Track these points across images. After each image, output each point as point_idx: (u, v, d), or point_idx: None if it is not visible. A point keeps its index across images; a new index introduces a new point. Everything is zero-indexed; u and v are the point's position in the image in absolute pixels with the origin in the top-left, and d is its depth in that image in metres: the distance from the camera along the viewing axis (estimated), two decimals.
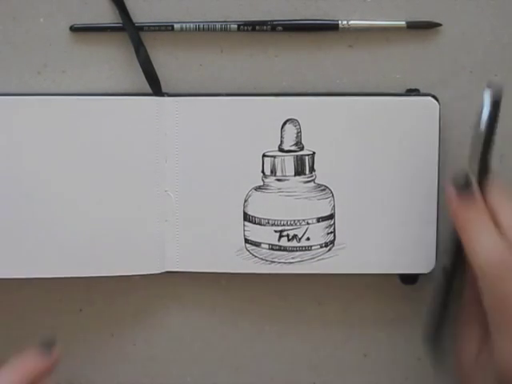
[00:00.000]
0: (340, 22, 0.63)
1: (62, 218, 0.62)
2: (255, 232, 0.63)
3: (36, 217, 0.62)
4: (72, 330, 0.66)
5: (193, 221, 0.63)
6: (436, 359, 0.63)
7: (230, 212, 0.63)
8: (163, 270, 0.64)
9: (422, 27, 0.63)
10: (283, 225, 0.63)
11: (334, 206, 0.63)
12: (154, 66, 0.63)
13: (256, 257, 0.63)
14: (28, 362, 0.57)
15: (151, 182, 0.63)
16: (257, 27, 0.63)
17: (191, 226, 0.64)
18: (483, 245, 0.55)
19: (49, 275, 0.63)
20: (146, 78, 0.63)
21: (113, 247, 0.63)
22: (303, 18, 0.63)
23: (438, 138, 0.63)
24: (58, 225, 0.62)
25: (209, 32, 0.63)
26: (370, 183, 0.63)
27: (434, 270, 0.63)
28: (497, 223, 0.56)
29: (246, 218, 0.63)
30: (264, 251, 0.63)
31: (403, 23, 0.63)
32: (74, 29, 0.63)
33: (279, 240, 0.63)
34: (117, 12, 0.63)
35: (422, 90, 0.64)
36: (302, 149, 0.63)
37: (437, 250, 0.63)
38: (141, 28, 0.63)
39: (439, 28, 0.63)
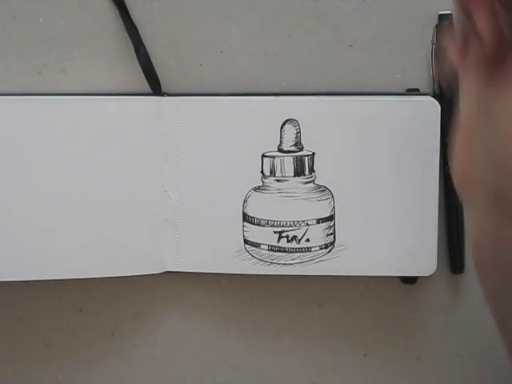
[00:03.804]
0: None
1: (62, 219, 0.62)
2: (254, 233, 0.63)
3: (35, 217, 0.62)
4: (72, 330, 0.66)
5: (192, 221, 0.63)
6: None
7: (229, 212, 0.63)
8: (163, 270, 0.64)
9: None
10: (283, 226, 0.63)
11: (333, 207, 0.63)
12: (154, 65, 0.63)
13: (255, 258, 0.63)
14: None
15: (151, 181, 0.63)
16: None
17: (191, 226, 0.64)
18: None
19: (49, 277, 0.63)
20: (146, 77, 0.63)
21: (113, 247, 0.63)
22: (303, 18, 0.63)
23: (438, 138, 0.62)
24: (57, 225, 0.62)
25: (209, 32, 0.63)
26: (370, 184, 0.63)
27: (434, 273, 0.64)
28: None
29: (246, 218, 0.63)
30: (263, 252, 0.63)
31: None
32: None
33: (279, 241, 0.63)
34: (117, 12, 0.63)
35: (421, 90, 0.64)
36: (301, 149, 0.63)
37: (438, 253, 0.63)
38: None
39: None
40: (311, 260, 0.63)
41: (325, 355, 0.67)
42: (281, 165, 0.63)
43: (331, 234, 0.63)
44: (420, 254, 0.63)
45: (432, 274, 0.64)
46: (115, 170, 0.63)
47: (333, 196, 0.63)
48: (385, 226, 0.63)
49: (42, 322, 0.66)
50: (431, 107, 0.62)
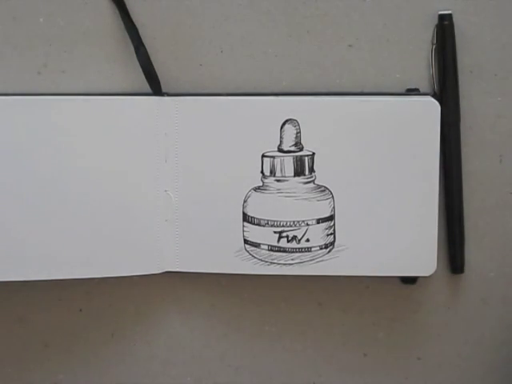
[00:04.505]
0: None
1: (62, 219, 0.62)
2: (254, 233, 0.63)
3: (35, 217, 0.62)
4: (72, 330, 0.66)
5: (192, 221, 0.64)
6: None
7: (229, 212, 0.63)
8: (163, 270, 0.64)
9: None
10: (283, 226, 0.63)
11: (333, 207, 0.63)
12: (154, 65, 0.63)
13: (255, 258, 0.63)
14: None
15: (151, 181, 0.63)
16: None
17: (191, 226, 0.64)
18: None
19: (49, 277, 0.63)
20: (146, 77, 0.63)
21: (113, 247, 0.63)
22: (303, 18, 0.64)
23: (438, 137, 0.62)
24: (57, 225, 0.62)
25: (209, 32, 0.63)
26: (370, 184, 0.63)
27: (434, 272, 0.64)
28: None
29: (246, 218, 0.63)
30: (263, 252, 0.63)
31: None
32: None
33: (279, 241, 0.63)
34: (117, 12, 0.63)
35: (421, 90, 0.64)
36: (301, 149, 0.63)
37: (438, 253, 0.64)
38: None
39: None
40: (311, 260, 0.63)
41: (325, 355, 0.67)
42: (281, 165, 0.63)
43: (331, 234, 0.63)
44: (420, 254, 0.63)
45: (432, 274, 0.64)
46: (115, 169, 0.63)
47: (333, 196, 0.63)
48: (385, 226, 0.63)
49: (42, 322, 0.66)
50: (431, 107, 0.62)
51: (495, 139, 0.65)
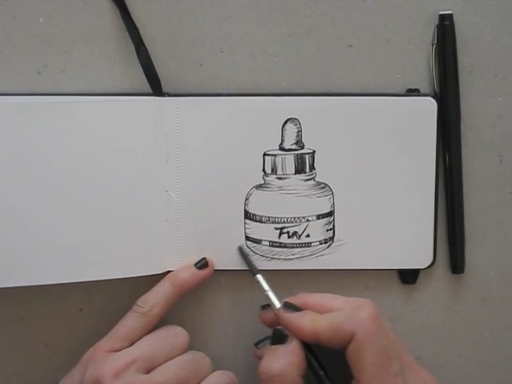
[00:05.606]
0: None
1: (63, 219, 0.62)
2: (256, 229, 0.63)
3: (36, 219, 0.62)
4: (72, 330, 0.66)
5: (193, 220, 0.64)
6: None
7: (230, 210, 0.63)
8: (164, 270, 0.64)
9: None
10: (283, 222, 0.63)
11: (333, 203, 0.63)
12: (155, 65, 0.63)
13: (256, 254, 0.64)
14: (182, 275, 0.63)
15: (152, 181, 0.63)
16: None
17: (192, 226, 0.64)
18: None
19: (50, 282, 0.62)
20: (147, 77, 0.63)
21: (113, 248, 0.63)
22: (303, 18, 0.64)
23: (435, 137, 0.63)
24: (58, 226, 0.62)
25: (209, 32, 0.64)
26: (368, 181, 0.63)
27: (431, 264, 0.65)
28: None
29: (247, 216, 0.63)
30: (264, 248, 0.64)
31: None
32: None
33: (279, 237, 0.63)
34: (117, 12, 0.63)
35: (421, 90, 0.64)
36: (302, 147, 0.63)
37: (434, 246, 0.64)
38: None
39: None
40: (311, 255, 0.64)
41: None
42: (282, 163, 0.63)
43: (331, 229, 0.64)
44: (417, 248, 0.64)
45: (432, 274, 0.64)
46: (116, 170, 0.62)
47: (332, 192, 0.63)
48: (383, 221, 0.64)
49: (42, 322, 0.66)
50: (430, 107, 0.63)
51: (495, 139, 0.65)
